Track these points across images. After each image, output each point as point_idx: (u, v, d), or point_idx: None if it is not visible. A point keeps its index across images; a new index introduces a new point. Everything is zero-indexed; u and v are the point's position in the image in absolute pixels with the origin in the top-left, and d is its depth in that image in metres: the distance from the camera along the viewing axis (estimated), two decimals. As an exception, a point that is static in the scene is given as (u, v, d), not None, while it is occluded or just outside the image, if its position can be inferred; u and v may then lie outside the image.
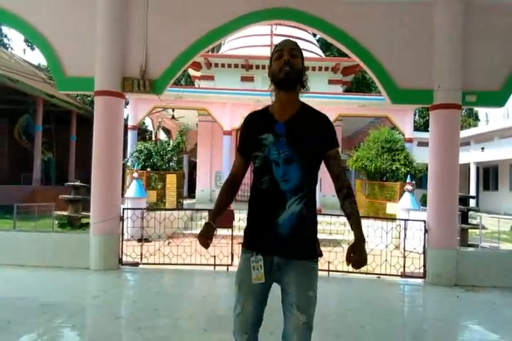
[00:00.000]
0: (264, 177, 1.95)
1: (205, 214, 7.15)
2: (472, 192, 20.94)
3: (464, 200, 10.27)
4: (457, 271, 5.77)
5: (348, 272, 6.13)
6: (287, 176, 1.92)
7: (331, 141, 2.01)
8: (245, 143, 2.09)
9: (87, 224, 8.21)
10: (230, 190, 2.18)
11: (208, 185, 16.27)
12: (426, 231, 6.03)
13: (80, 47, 6.01)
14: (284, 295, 1.98)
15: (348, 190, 2.03)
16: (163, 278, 6.12)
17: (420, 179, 13.71)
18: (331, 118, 12.03)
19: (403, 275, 6.18)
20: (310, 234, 1.98)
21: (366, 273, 6.17)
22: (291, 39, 2.16)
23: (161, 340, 3.47)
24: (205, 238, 2.03)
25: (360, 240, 1.94)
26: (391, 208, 10.91)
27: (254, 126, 2.05)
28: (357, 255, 1.91)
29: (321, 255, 2.02)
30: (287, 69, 1.93)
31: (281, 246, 1.93)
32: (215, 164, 15.88)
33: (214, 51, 20.15)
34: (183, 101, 12.02)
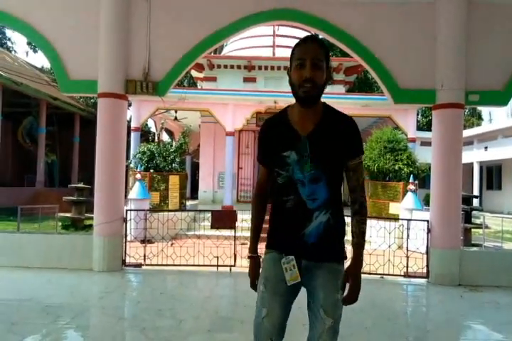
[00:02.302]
0: (289, 196, 1.86)
1: (208, 215, 7.15)
2: (475, 192, 20.88)
3: (467, 200, 10.26)
4: (460, 270, 5.76)
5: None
6: (315, 195, 1.84)
7: (353, 150, 1.88)
8: (267, 156, 1.96)
9: (91, 226, 8.24)
10: (262, 205, 2.07)
11: (210, 186, 16.28)
12: (429, 231, 6.02)
13: (83, 50, 6.04)
14: (310, 299, 1.91)
15: (361, 206, 1.93)
16: (167, 279, 6.13)
17: (423, 179, 13.68)
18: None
19: (406, 275, 6.17)
20: (337, 239, 1.93)
21: (369, 273, 6.17)
22: (315, 36, 1.89)
23: (164, 341, 3.48)
24: (255, 277, 2.02)
25: (357, 263, 1.89)
26: (394, 208, 10.89)
27: (275, 138, 1.89)
28: (351, 284, 1.85)
29: (346, 257, 1.97)
30: (308, 86, 1.77)
31: (308, 251, 1.86)
32: (217, 165, 15.87)
33: (216, 52, 20.17)
34: (186, 103, 12.04)
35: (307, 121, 1.86)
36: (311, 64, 1.77)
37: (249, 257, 2.08)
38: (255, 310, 1.94)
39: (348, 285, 1.87)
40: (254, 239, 2.08)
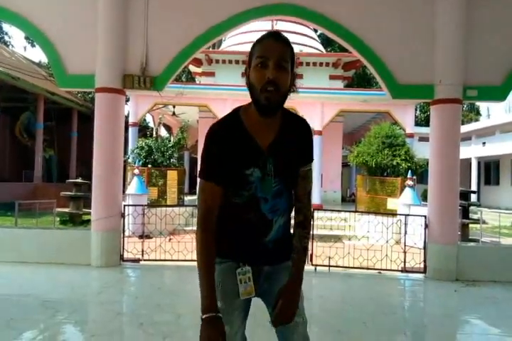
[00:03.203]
0: (249, 214, 1.66)
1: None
2: (473, 187, 20.94)
3: (464, 195, 10.27)
4: (458, 265, 5.78)
5: (348, 267, 6.16)
6: (276, 207, 1.68)
7: (307, 157, 1.71)
8: (222, 173, 1.60)
9: (89, 221, 8.22)
10: (213, 240, 1.63)
11: (209, 182, 16.27)
12: (426, 226, 6.04)
13: (80, 44, 6.01)
14: (272, 304, 1.68)
15: (305, 218, 1.74)
16: (165, 274, 6.14)
17: (421, 174, 13.69)
18: (332, 113, 11.94)
19: (404, 270, 6.19)
20: (290, 236, 1.79)
21: (367, 269, 6.19)
22: (280, 33, 1.63)
23: (163, 336, 3.48)
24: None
25: (298, 280, 1.67)
26: (392, 203, 10.91)
27: (233, 153, 1.60)
28: (286, 301, 1.61)
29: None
30: (271, 90, 1.51)
31: (269, 256, 1.72)
32: (216, 160, 15.86)
33: (215, 47, 20.10)
34: (184, 98, 11.97)
35: (267, 131, 1.63)
36: (274, 64, 1.51)
37: (206, 318, 1.55)
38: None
39: (280, 303, 1.62)
40: (211, 290, 1.60)
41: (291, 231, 1.78)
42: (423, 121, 27.96)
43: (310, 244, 4.88)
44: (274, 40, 1.56)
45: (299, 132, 1.69)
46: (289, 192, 1.72)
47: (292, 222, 1.77)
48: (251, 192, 1.63)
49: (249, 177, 1.61)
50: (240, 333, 1.70)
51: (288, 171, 1.66)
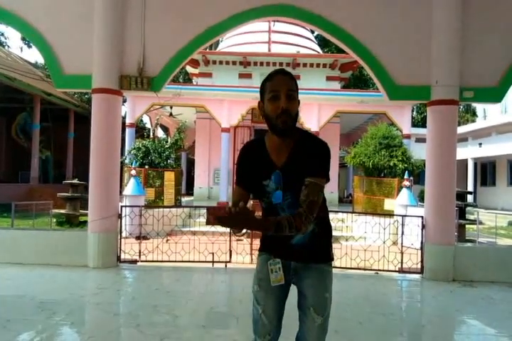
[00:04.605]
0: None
1: (203, 211, 7.15)
2: (470, 188, 20.97)
3: (461, 196, 10.31)
4: (455, 266, 5.80)
5: (346, 268, 6.16)
6: None
7: (314, 169, 1.84)
8: (246, 180, 1.97)
9: (85, 222, 8.21)
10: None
11: (206, 183, 16.28)
12: (423, 226, 6.05)
13: (77, 45, 6.00)
14: (300, 299, 2.00)
15: (300, 215, 1.78)
16: (162, 275, 6.13)
17: (418, 175, 13.74)
18: (329, 114, 11.91)
19: (401, 270, 6.20)
20: (324, 243, 2.02)
21: (364, 269, 6.21)
22: (285, 70, 1.92)
23: (160, 337, 3.48)
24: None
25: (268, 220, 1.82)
26: (389, 204, 10.93)
27: (254, 167, 1.94)
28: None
29: (333, 258, 2.06)
30: (285, 117, 1.81)
31: (295, 254, 1.97)
32: (213, 161, 15.87)
33: (212, 48, 20.12)
34: (181, 99, 11.99)
35: (281, 151, 1.91)
36: (285, 95, 1.82)
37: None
38: (252, 308, 2.06)
39: None
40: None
41: (327, 237, 2.03)
42: (420, 122, 28.00)
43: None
44: (282, 76, 1.87)
45: (311, 151, 1.88)
46: None
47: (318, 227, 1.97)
48: (269, 200, 1.95)
49: (266, 188, 1.94)
50: (273, 315, 1.99)
51: (298, 185, 1.84)
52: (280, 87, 1.83)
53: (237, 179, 2.02)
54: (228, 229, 6.52)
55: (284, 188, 1.90)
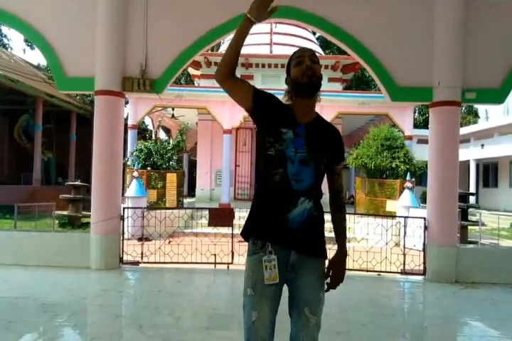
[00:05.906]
0: (277, 170, 1.91)
1: (206, 212, 7.17)
2: (472, 189, 20.92)
3: (463, 197, 10.27)
4: (457, 267, 5.78)
5: (348, 269, 6.14)
6: (300, 176, 1.91)
7: (340, 156, 2.07)
8: (260, 95, 1.97)
9: (88, 224, 8.21)
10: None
11: (208, 184, 16.28)
12: (426, 228, 6.05)
13: (79, 47, 6.02)
14: (294, 298, 1.95)
15: (342, 205, 2.11)
16: (164, 276, 6.14)
17: (420, 176, 13.70)
18: (331, 116, 11.97)
19: (403, 272, 6.19)
20: (319, 233, 2.00)
21: (366, 271, 6.20)
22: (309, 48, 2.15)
23: (162, 338, 3.48)
24: None
25: (342, 254, 2.05)
26: (391, 205, 10.91)
27: (277, 114, 1.96)
28: (336, 271, 2.02)
29: (327, 257, 2.05)
30: (310, 73, 1.93)
31: (294, 240, 1.91)
32: (215, 163, 15.88)
33: (214, 50, 20.12)
34: (183, 100, 11.99)
35: (305, 114, 2.00)
36: (309, 58, 1.97)
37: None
38: (243, 314, 1.94)
39: (331, 273, 2.03)
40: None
41: (322, 227, 2.02)
42: (422, 124, 27.97)
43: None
44: (305, 48, 2.07)
45: (331, 132, 2.05)
46: (315, 169, 1.95)
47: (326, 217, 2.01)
48: (282, 147, 1.92)
49: (283, 135, 1.93)
50: (268, 320, 1.88)
51: (318, 145, 1.95)
52: (304, 53, 2.00)
53: (255, 86, 1.99)
54: (230, 230, 6.54)
55: (305, 140, 1.94)
